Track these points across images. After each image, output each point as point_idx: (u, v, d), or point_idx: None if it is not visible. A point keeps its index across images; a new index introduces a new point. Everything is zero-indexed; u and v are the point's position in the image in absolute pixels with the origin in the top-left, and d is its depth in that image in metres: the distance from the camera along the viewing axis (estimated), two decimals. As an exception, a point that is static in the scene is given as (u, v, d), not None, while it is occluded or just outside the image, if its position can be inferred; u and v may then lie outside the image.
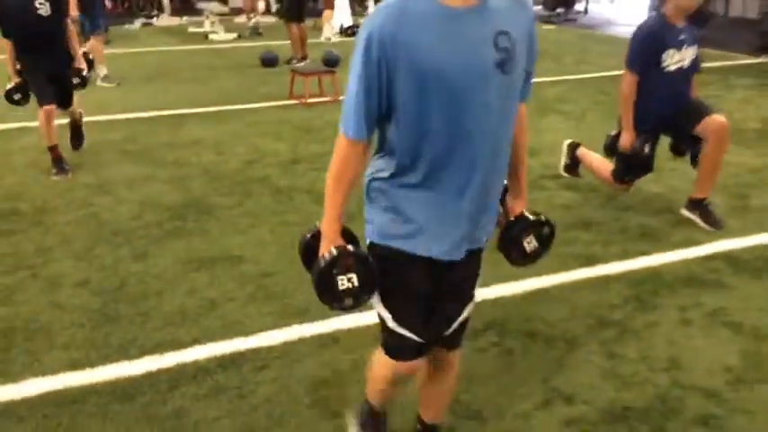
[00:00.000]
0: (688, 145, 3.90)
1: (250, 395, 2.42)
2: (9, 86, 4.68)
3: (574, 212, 4.05)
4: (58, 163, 4.69)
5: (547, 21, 13.63)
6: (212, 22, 12.24)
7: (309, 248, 1.69)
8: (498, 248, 1.83)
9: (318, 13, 12.08)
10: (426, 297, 1.71)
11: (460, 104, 1.50)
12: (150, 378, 2.51)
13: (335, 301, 1.63)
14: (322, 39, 11.09)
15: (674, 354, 2.65)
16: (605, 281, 3.24)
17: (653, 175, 4.40)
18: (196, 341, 2.74)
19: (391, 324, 1.72)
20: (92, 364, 2.59)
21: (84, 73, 4.87)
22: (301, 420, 2.29)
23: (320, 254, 1.62)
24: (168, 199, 4.26)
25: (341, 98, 6.54)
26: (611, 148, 3.96)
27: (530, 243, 1.82)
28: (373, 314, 1.83)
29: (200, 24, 12.55)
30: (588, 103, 6.75)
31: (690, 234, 3.73)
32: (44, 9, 4.52)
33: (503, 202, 1.80)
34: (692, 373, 2.53)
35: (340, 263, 1.59)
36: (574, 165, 4.45)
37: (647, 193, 4.32)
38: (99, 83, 7.51)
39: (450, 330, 1.80)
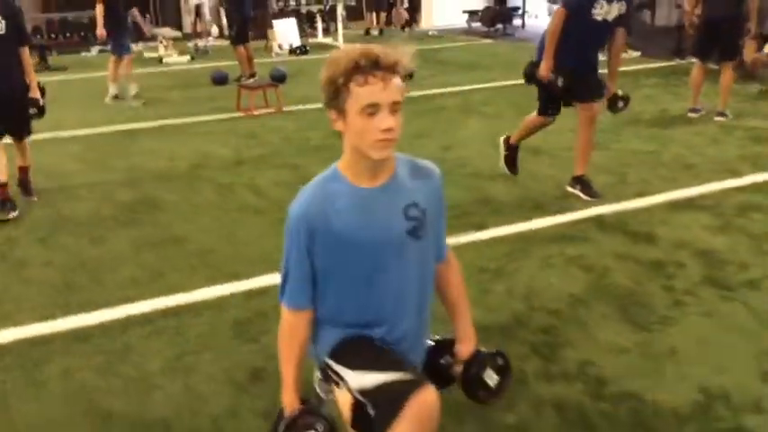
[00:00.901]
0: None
1: (185, 333, 2.99)
2: None
3: (478, 192, 4.67)
4: (3, 205, 4.39)
5: (485, 36, 14.47)
6: (166, 47, 12.79)
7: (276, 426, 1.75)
8: (466, 395, 1.85)
9: (264, 36, 12.84)
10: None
11: (379, 271, 1.67)
12: (103, 326, 3.06)
13: None
14: (272, 55, 11.81)
15: (533, 287, 3.28)
16: (490, 242, 3.87)
17: (549, 159, 5.09)
18: (143, 298, 3.30)
19: (380, 378, 1.65)
20: (55, 318, 3.14)
21: (40, 102, 4.64)
22: (225, 345, 2.87)
23: (283, 417, 1.72)
24: (123, 197, 4.81)
25: (284, 109, 7.17)
26: (529, 75, 4.46)
27: (491, 378, 1.84)
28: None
29: (155, 49, 13.09)
30: (506, 104, 7.44)
31: (570, 204, 4.39)
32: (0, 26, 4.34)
33: (452, 355, 1.87)
34: (543, 299, 3.17)
35: (299, 423, 1.68)
36: (512, 157, 4.85)
37: (542, 175, 4.99)
38: (129, 103, 8.11)
39: None
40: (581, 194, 4.48)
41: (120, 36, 8.33)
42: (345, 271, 1.67)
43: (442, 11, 16.86)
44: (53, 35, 15.03)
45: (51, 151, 5.89)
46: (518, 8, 15.95)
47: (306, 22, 15.22)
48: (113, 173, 5.40)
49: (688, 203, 4.31)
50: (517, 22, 15.86)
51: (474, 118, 6.89)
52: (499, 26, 14.93)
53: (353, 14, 16.30)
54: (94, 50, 13.94)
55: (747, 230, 3.86)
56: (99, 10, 8.08)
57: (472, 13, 15.58)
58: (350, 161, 1.64)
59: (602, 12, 4.12)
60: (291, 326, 1.73)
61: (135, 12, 8.13)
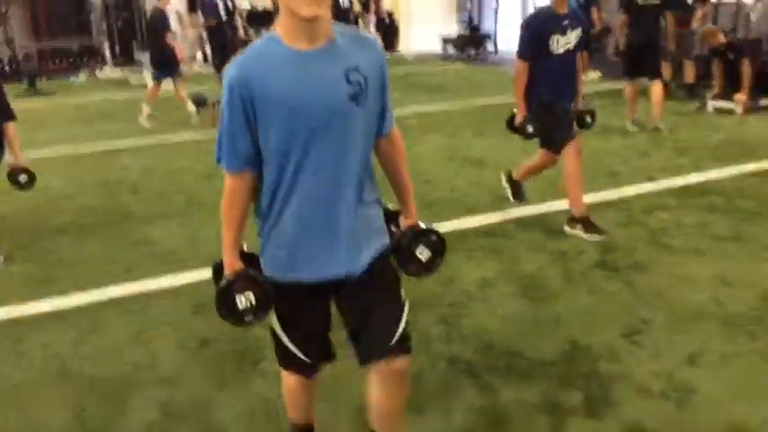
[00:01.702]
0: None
1: (149, 313, 3.48)
2: None
3: (426, 196, 5.16)
4: None
5: (457, 60, 15.14)
6: (151, 73, 13.34)
7: (217, 274, 1.86)
8: (398, 265, 1.93)
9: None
10: (312, 321, 1.90)
11: (318, 134, 1.64)
12: (78, 308, 3.56)
13: (236, 317, 1.78)
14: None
15: (453, 274, 3.78)
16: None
17: (491, 170, 5.62)
18: (114, 284, 3.79)
19: (280, 335, 1.94)
20: (36, 300, 3.63)
21: (30, 170, 4.57)
22: (181, 322, 3.37)
23: (222, 278, 1.79)
24: (100, 205, 5.32)
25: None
26: (509, 124, 4.53)
27: (422, 253, 1.91)
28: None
29: (141, 75, 13.65)
30: (466, 124, 8.02)
31: (499, 206, 4.90)
32: None
33: (397, 226, 1.95)
34: (459, 282, 3.68)
35: (237, 284, 1.75)
36: (517, 190, 4.82)
37: (483, 183, 5.53)
38: (139, 120, 8.67)
39: (382, 341, 1.80)
40: (583, 235, 4.21)
41: (162, 62, 8.89)
42: (283, 136, 1.64)
43: (420, 37, 17.54)
44: (43, 61, 15.58)
45: (36, 167, 6.37)
46: (490, 35, 16.66)
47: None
48: (92, 186, 5.92)
49: (604, 205, 4.84)
50: (491, 48, 16.56)
51: (434, 135, 7.44)
52: (472, 51, 15.60)
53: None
54: (82, 76, 14.52)
55: (647, 225, 4.39)
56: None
57: (447, 40, 16.27)
58: (284, 24, 1.62)
59: (560, 45, 4.16)
60: (230, 189, 1.74)
61: (170, 38, 8.80)
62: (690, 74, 8.83)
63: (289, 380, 2.05)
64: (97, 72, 15.09)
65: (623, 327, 3.13)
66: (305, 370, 1.98)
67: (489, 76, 12.65)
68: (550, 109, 4.25)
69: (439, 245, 1.95)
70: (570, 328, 3.14)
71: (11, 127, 4.35)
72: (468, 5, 16.85)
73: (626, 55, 7.30)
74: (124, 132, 8.30)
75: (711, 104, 8.01)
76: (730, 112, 7.81)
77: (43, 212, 5.25)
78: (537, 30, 4.17)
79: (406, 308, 1.85)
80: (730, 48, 7.86)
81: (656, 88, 7.04)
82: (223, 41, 9.81)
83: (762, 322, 3.11)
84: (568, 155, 4.24)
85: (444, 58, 15.78)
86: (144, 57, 14.70)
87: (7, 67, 15.40)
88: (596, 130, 7.23)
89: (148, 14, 15.08)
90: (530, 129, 4.33)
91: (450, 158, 6.37)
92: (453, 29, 17.05)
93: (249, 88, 1.61)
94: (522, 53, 4.23)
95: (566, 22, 4.12)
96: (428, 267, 1.95)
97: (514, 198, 4.85)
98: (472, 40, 15.90)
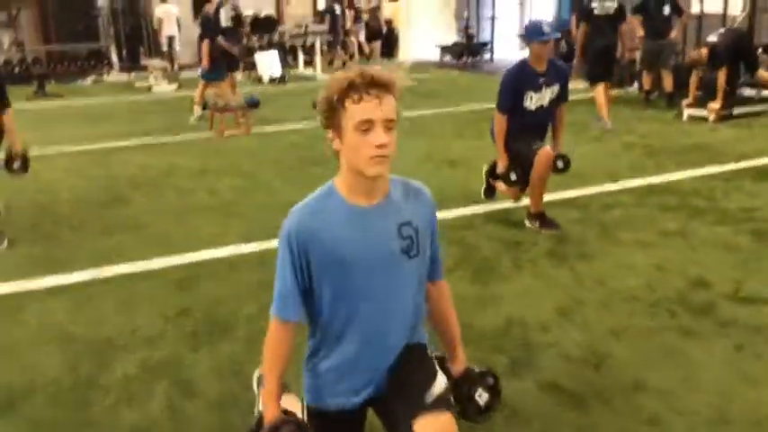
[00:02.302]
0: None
1: (136, 288, 3.86)
2: None
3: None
4: None
5: (453, 67, 15.55)
6: (155, 77, 13.80)
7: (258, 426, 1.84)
8: (457, 412, 1.89)
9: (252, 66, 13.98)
10: None
11: (372, 287, 1.72)
12: (76, 284, 3.94)
13: None
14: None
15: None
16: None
17: (463, 170, 5.98)
18: (108, 265, 4.17)
19: None
20: (36, 277, 4.02)
21: (26, 156, 4.77)
22: (164, 295, 3.75)
23: (264, 425, 1.78)
24: (99, 197, 5.72)
25: (251, 131, 8.09)
26: (490, 173, 4.91)
27: (480, 396, 1.92)
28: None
29: (147, 79, 14.11)
30: (451, 126, 8.41)
31: (467, 202, 5.25)
32: None
33: (447, 374, 1.94)
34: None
35: (283, 429, 1.75)
36: (490, 189, 5.09)
37: (455, 181, 5.89)
38: (191, 120, 9.13)
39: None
40: (539, 228, 4.55)
41: (213, 65, 9.26)
42: (338, 288, 1.72)
43: (419, 45, 17.95)
44: (52, 65, 16.05)
45: (42, 163, 6.79)
46: (487, 43, 17.07)
47: (289, 54, 16.28)
48: (93, 180, 6.33)
49: (565, 202, 5.20)
50: (487, 55, 16.96)
51: (417, 138, 7.82)
52: (468, 59, 16.02)
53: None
54: (89, 80, 14.97)
55: (601, 221, 4.75)
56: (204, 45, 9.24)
57: (444, 48, 16.68)
58: (346, 179, 1.70)
59: (534, 102, 4.35)
60: (277, 335, 1.79)
61: (222, 42, 9.28)
62: (668, 83, 9.19)
63: None
64: (104, 76, 15.55)
65: (558, 305, 3.49)
66: None
67: (480, 83, 13.01)
68: (520, 154, 4.49)
69: (496, 387, 1.97)
70: (510, 306, 3.49)
71: (8, 114, 4.53)
72: (466, 14, 17.24)
73: (591, 62, 8.06)
74: (126, 132, 8.70)
75: (686, 112, 8.36)
76: (705, 119, 8.16)
77: (48, 202, 5.65)
78: (512, 85, 4.37)
79: (442, 377, 1.81)
80: (711, 58, 8.09)
81: (608, 91, 7.92)
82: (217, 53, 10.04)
83: (684, 304, 3.47)
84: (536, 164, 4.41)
85: (441, 65, 16.16)
86: (150, 62, 15.19)
87: (17, 69, 15.85)
88: (575, 134, 7.64)
89: (155, 21, 15.68)
90: (513, 177, 4.58)
91: (428, 159, 6.74)
92: (453, 37, 17.46)
93: (304, 242, 1.68)
94: (500, 106, 4.44)
95: (541, 80, 4.32)
96: (488, 410, 1.95)
97: (485, 195, 5.17)
98: (468, 49, 16.31)
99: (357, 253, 1.69)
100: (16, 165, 4.70)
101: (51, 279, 4.01)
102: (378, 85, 1.60)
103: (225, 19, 10.09)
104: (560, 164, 4.70)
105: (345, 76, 1.62)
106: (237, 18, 11.40)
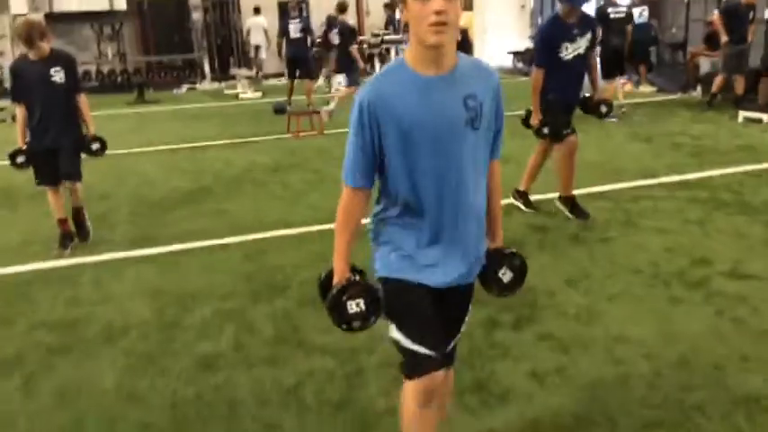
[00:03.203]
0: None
1: (214, 257, 4.62)
2: (14, 149, 4.73)
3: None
4: (64, 239, 4.80)
5: (526, 74, 15.91)
6: (242, 85, 14.89)
7: (324, 286, 1.93)
8: (481, 284, 2.05)
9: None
10: (432, 316, 1.90)
11: (439, 155, 1.78)
12: (165, 254, 4.74)
13: (345, 323, 1.84)
14: (332, 90, 13.77)
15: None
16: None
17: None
18: (190, 241, 4.96)
19: (405, 344, 1.88)
20: (133, 249, 4.85)
21: (103, 138, 4.96)
22: (234, 267, 4.49)
23: (333, 284, 1.87)
24: (188, 187, 6.59)
25: (324, 132, 8.89)
26: (524, 121, 5.09)
27: (504, 274, 2.01)
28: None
29: (235, 87, 15.23)
30: (507, 127, 8.88)
31: (506, 192, 5.78)
32: (58, 77, 4.56)
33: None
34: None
35: (349, 291, 1.82)
36: (526, 200, 5.27)
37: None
38: (324, 116, 9.72)
39: (448, 348, 2.00)
40: (567, 212, 5.00)
41: (352, 70, 10.24)
42: (408, 156, 1.79)
43: (493, 52, 18.40)
44: (150, 74, 17.47)
45: (139, 159, 7.83)
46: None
47: (367, 63, 17.09)
48: (183, 173, 7.24)
49: (600, 195, 5.65)
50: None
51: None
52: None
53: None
54: (184, 88, 16.27)
55: (628, 210, 5.18)
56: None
57: (516, 54, 17.09)
58: (413, 51, 1.79)
59: (570, 52, 4.62)
60: (348, 202, 1.88)
61: (354, 52, 10.30)
62: (740, 86, 9.40)
63: (415, 389, 1.92)
64: (197, 84, 16.83)
65: (568, 276, 4.00)
66: (434, 364, 1.89)
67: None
68: (555, 108, 4.81)
69: (521, 268, 2.06)
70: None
71: (82, 99, 4.76)
72: (540, 21, 17.56)
73: (606, 60, 8.96)
74: (213, 134, 9.68)
75: (742, 115, 8.55)
76: (759, 121, 8.34)
77: (142, 190, 6.57)
78: (547, 40, 4.72)
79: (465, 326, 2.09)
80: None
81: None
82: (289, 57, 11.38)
83: (681, 278, 3.91)
84: (562, 148, 4.92)
85: (512, 71, 16.59)
86: (238, 71, 16.33)
87: (119, 79, 17.37)
88: (623, 135, 8.00)
89: (244, 31, 16.81)
90: (545, 131, 4.93)
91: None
92: (526, 44, 17.82)
93: (375, 109, 1.76)
94: (537, 60, 4.80)
95: (575, 31, 4.60)
96: (509, 288, 2.05)
97: (527, 208, 5.24)
98: (540, 55, 16.66)
99: (423, 120, 1.76)
100: (95, 146, 4.90)
101: (146, 251, 4.83)
102: None
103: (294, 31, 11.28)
104: (604, 108, 5.09)
105: None
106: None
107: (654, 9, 13.76)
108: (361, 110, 1.79)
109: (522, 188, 5.28)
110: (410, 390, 1.93)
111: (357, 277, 1.88)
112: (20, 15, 12.44)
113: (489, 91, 1.86)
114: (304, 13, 13.21)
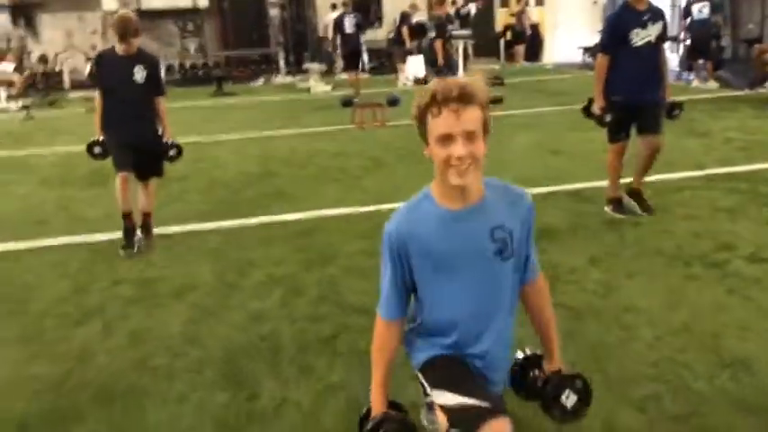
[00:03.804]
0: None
1: (271, 232, 5.12)
2: (91, 140, 4.81)
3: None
4: (128, 236, 4.73)
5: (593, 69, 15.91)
6: (314, 79, 15.49)
7: (363, 420, 1.92)
8: (543, 411, 1.97)
9: (394, 69, 15.30)
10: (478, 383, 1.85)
11: (466, 287, 1.79)
12: (229, 227, 5.27)
13: None
14: (399, 85, 14.20)
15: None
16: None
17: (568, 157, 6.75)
18: (253, 216, 5.48)
19: (458, 401, 1.77)
20: (204, 221, 5.41)
21: (179, 144, 4.95)
22: (282, 242, 4.97)
23: (370, 417, 1.87)
24: (256, 171, 7.17)
25: (387, 124, 9.37)
26: (585, 110, 4.99)
27: (568, 398, 1.91)
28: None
29: (307, 80, 15.86)
30: (567, 121, 9.02)
31: (554, 181, 6.06)
32: (140, 75, 4.60)
33: (541, 369, 2.02)
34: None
35: (384, 426, 1.83)
36: (617, 204, 5.08)
37: (538, 164, 6.69)
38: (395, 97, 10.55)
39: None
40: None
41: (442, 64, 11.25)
42: (435, 288, 1.82)
43: (564, 47, 18.43)
44: (229, 68, 18.34)
45: (214, 146, 8.47)
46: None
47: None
48: (253, 159, 7.84)
49: (646, 185, 5.83)
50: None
51: (534, 130, 8.60)
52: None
53: (480, 52, 18.30)
54: (260, 81, 17.04)
55: (667, 199, 5.37)
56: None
57: (587, 49, 17.06)
58: (438, 184, 1.79)
59: (641, 38, 4.47)
60: (382, 334, 1.90)
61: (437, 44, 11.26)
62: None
63: None
64: (272, 78, 17.58)
65: (592, 255, 4.27)
66: (493, 414, 1.72)
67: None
68: (617, 112, 4.72)
69: (585, 391, 1.96)
70: (550, 255, 4.29)
71: (161, 101, 4.79)
72: (611, 16, 17.45)
73: None
74: (283, 124, 10.28)
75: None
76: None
77: (214, 173, 7.18)
78: (615, 26, 4.61)
79: None
80: None
81: None
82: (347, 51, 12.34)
83: (702, 259, 4.12)
84: (611, 151, 4.97)
85: (582, 66, 16.59)
86: (310, 65, 16.96)
87: (200, 72, 18.31)
88: (679, 130, 8.05)
89: (321, 27, 17.45)
90: (607, 118, 4.76)
91: (535, 147, 7.58)
92: (596, 39, 17.74)
93: (403, 242, 1.79)
94: (603, 45, 4.71)
95: (645, 17, 4.50)
96: (574, 413, 1.95)
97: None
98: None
99: (448, 254, 1.77)
100: (172, 152, 4.90)
101: (213, 224, 5.37)
102: (456, 99, 1.64)
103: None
104: (676, 112, 5.11)
105: (427, 91, 1.70)
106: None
107: (730, 5, 13.61)
108: (390, 241, 1.82)
109: (611, 195, 5.07)
110: None
111: (394, 412, 1.91)
112: (110, 12, 13.42)
113: (518, 220, 1.84)
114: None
